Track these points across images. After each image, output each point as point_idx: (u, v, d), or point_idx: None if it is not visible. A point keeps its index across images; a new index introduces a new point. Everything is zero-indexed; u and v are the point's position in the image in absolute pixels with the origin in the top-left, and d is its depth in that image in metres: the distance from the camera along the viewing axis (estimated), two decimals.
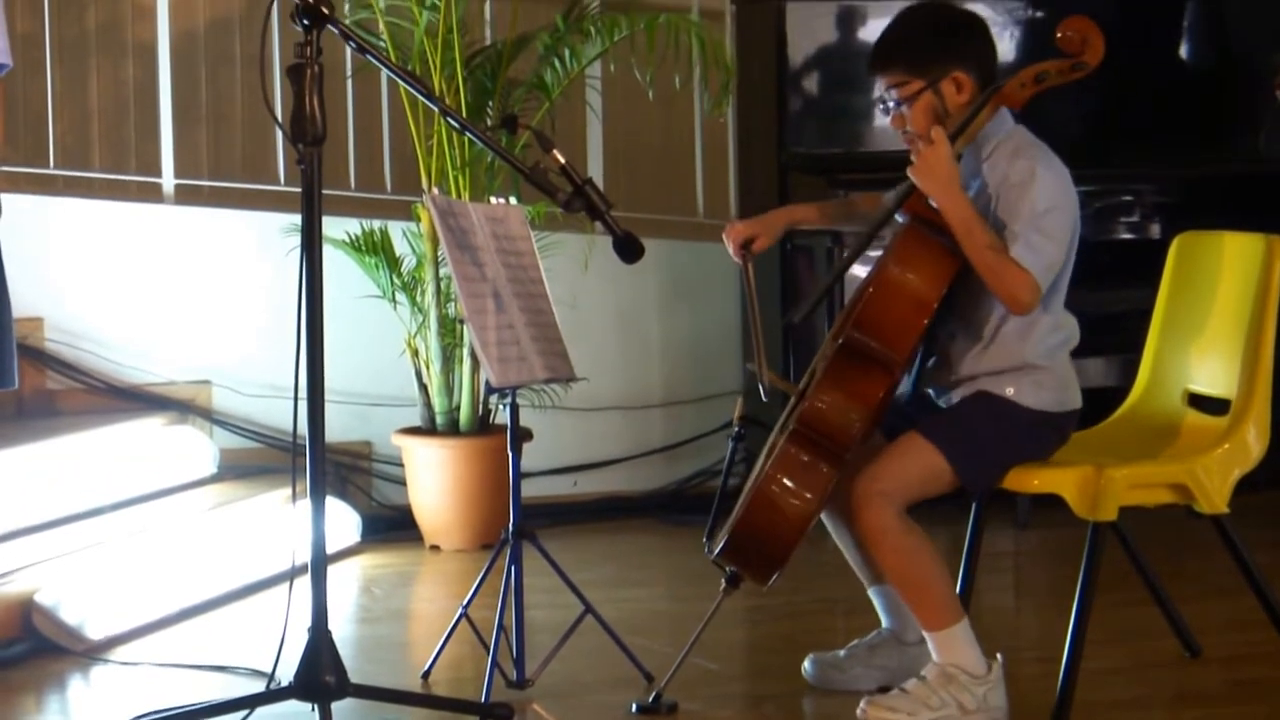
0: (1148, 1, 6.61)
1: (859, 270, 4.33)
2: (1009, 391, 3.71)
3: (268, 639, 3.64)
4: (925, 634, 3.66)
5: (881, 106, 3.80)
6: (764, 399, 3.88)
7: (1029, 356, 3.71)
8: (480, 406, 5.64)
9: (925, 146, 3.62)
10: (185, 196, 6.16)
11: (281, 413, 5.89)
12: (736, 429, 3.94)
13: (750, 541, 3.64)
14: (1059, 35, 3.68)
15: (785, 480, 3.60)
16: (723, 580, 3.78)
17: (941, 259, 3.61)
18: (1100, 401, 3.98)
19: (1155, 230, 5.91)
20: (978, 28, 3.81)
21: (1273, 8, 6.22)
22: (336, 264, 5.54)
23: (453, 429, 5.64)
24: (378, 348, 5.87)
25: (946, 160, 3.60)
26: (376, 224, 5.77)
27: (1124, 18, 6.03)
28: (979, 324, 3.73)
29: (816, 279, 5.80)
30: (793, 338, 5.69)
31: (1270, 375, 3.80)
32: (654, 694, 3.83)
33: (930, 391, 3.84)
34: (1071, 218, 3.68)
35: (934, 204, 3.62)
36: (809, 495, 3.59)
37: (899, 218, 3.77)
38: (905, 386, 3.84)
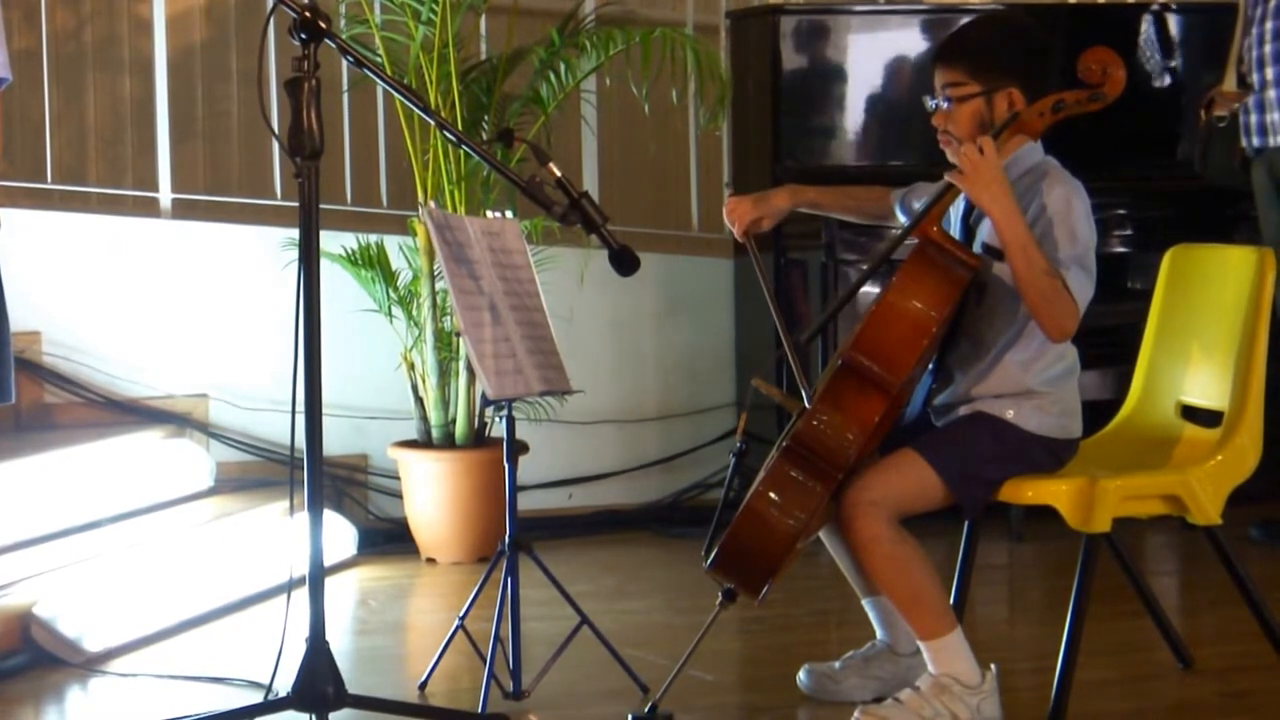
0: (1100, 20, 6.63)
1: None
2: (1009, 414, 3.72)
3: (265, 651, 3.65)
4: (920, 643, 3.67)
5: (930, 101, 3.76)
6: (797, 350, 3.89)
7: (1030, 383, 3.72)
8: (476, 420, 5.65)
9: (975, 156, 3.55)
10: (182, 211, 6.17)
11: (279, 426, 5.90)
12: (739, 445, 3.91)
13: (739, 556, 3.63)
14: (1080, 65, 3.68)
15: (775, 496, 3.59)
16: (719, 594, 3.77)
17: (946, 284, 3.59)
18: (1093, 413, 3.99)
19: (1120, 245, 5.91)
20: (1048, 55, 3.79)
21: (1215, 28, 6.18)
22: (333, 278, 5.56)
23: (449, 442, 5.64)
24: (374, 361, 5.89)
25: (1000, 171, 3.57)
26: (373, 238, 5.78)
27: (1075, 36, 6.04)
28: (985, 346, 3.74)
29: (809, 292, 5.81)
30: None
31: (1263, 387, 3.82)
32: (650, 705, 3.84)
33: (931, 411, 3.85)
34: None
35: (988, 219, 3.59)
36: (799, 512, 3.58)
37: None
38: (915, 404, 3.85)
